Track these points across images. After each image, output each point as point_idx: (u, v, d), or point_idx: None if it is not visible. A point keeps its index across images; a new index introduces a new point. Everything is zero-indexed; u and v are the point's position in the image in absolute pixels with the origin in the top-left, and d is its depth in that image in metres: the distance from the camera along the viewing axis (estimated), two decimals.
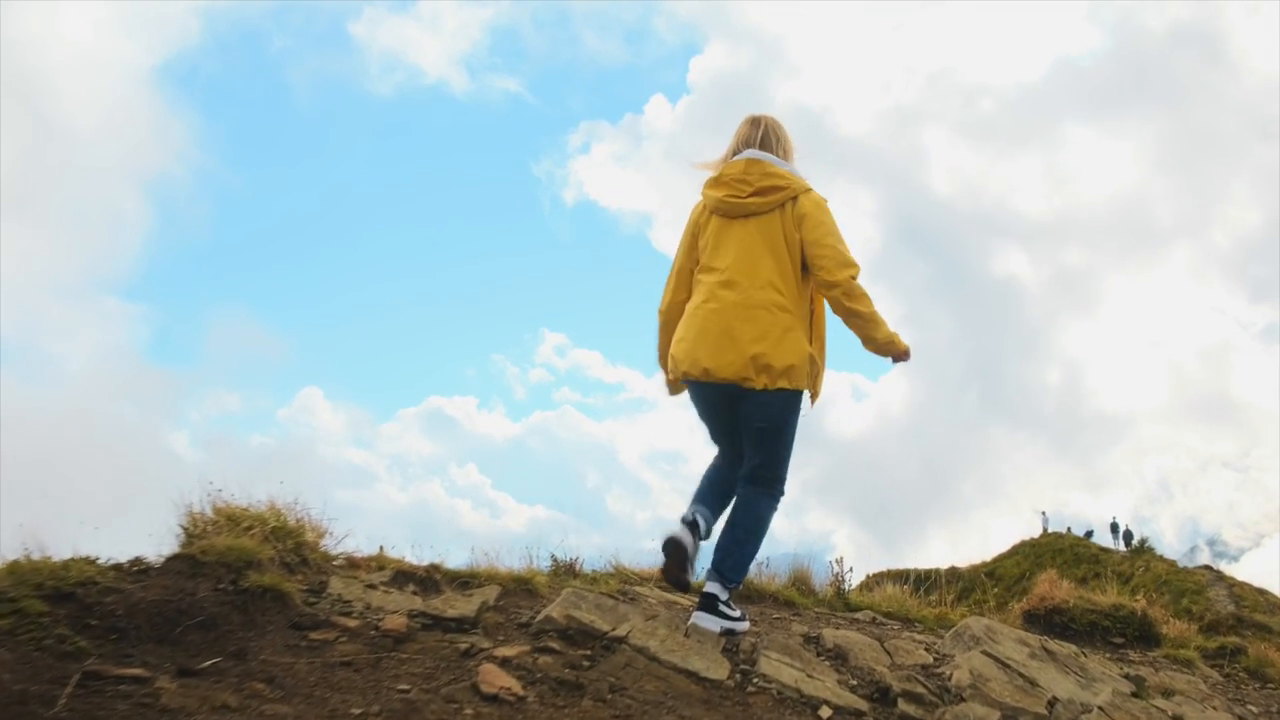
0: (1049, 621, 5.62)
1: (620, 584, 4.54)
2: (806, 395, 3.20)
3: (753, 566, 5.23)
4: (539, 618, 2.90)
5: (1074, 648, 3.75)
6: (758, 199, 3.15)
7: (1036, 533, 41.71)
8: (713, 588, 3.18)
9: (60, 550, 2.74)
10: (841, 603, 5.33)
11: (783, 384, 3.04)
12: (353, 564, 3.52)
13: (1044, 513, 43.24)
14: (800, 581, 5.33)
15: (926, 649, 3.44)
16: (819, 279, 3.13)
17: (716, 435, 3.36)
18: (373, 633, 2.71)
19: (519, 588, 3.85)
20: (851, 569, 5.52)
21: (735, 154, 3.31)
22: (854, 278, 3.09)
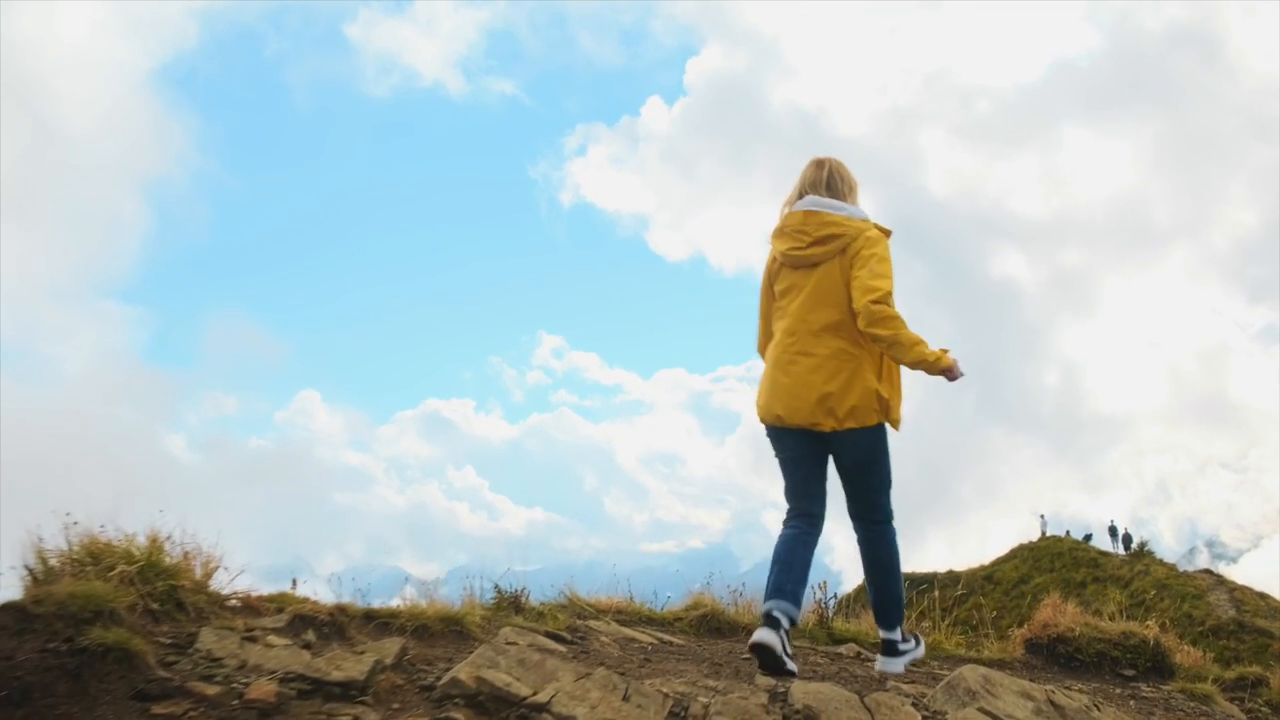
0: (1053, 651, 5.13)
1: (572, 617, 4.05)
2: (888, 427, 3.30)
3: (727, 593, 4.75)
4: (444, 680, 2.40)
5: (1085, 699, 3.27)
6: (818, 249, 3.24)
7: (1035, 535, 41.18)
8: (887, 634, 3.41)
9: None
10: (824, 633, 4.84)
11: (850, 424, 3.15)
12: (248, 605, 3.03)
13: (1043, 516, 42.71)
14: None
15: (915, 704, 2.95)
16: (853, 309, 3.18)
17: (796, 482, 3.37)
18: (234, 703, 2.21)
19: (446, 629, 3.36)
20: (835, 595, 5.03)
21: (800, 196, 3.39)
22: (875, 302, 3.08)
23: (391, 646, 2.68)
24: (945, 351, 3.08)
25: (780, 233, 3.35)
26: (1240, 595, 32.06)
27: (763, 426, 3.37)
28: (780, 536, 3.33)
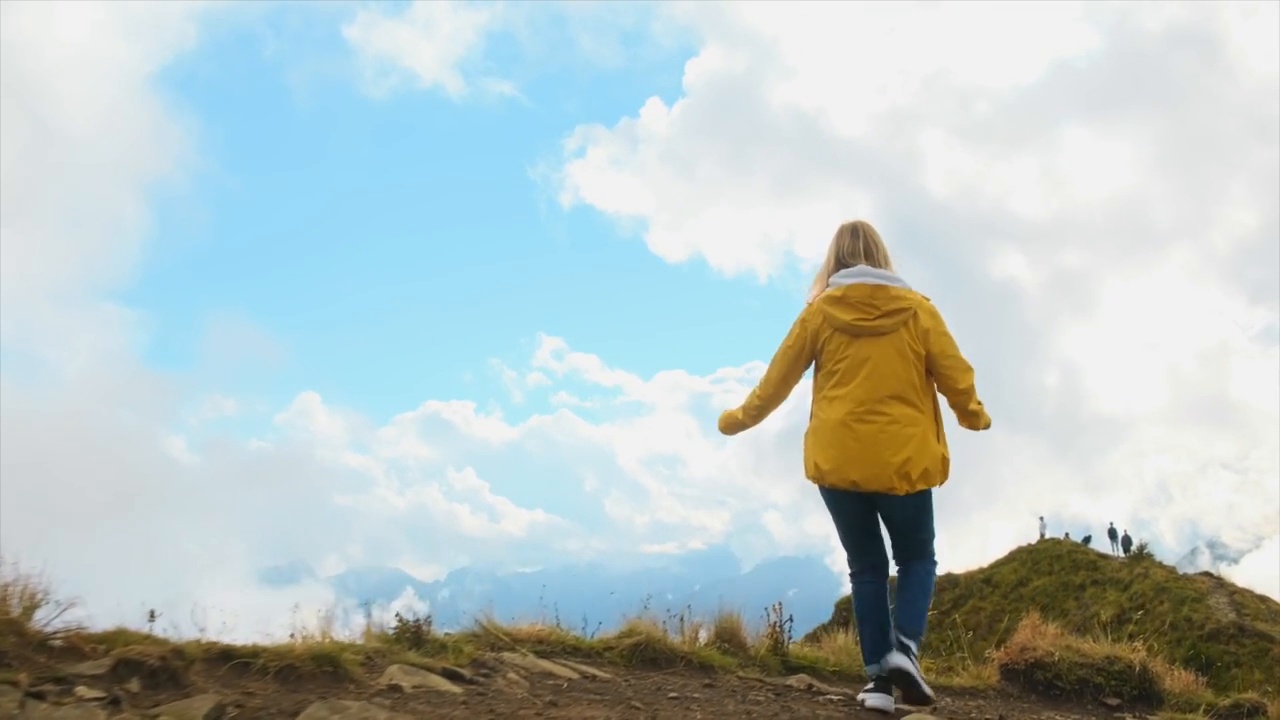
0: (1030, 678, 4.70)
1: (484, 649, 3.62)
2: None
3: (664, 615, 4.32)
4: None
5: None
6: (885, 320, 3.40)
7: (1034, 537, 40.69)
8: (906, 640, 3.41)
9: None
10: (778, 660, 4.41)
11: (920, 486, 3.36)
12: (72, 646, 2.60)
13: (1042, 518, 42.21)
14: (727, 635, 4.39)
15: None
16: (947, 386, 3.51)
17: (858, 540, 3.59)
18: None
19: (319, 670, 2.93)
20: (791, 618, 4.58)
21: (840, 265, 3.51)
22: (973, 383, 3.52)
23: (201, 705, 2.24)
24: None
25: (843, 303, 3.43)
26: (1240, 598, 31.56)
27: (816, 485, 3.51)
28: (858, 594, 3.60)
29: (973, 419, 3.59)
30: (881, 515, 3.51)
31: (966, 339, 3.52)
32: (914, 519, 3.47)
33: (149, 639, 2.71)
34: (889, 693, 3.46)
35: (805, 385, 3.67)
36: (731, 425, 3.73)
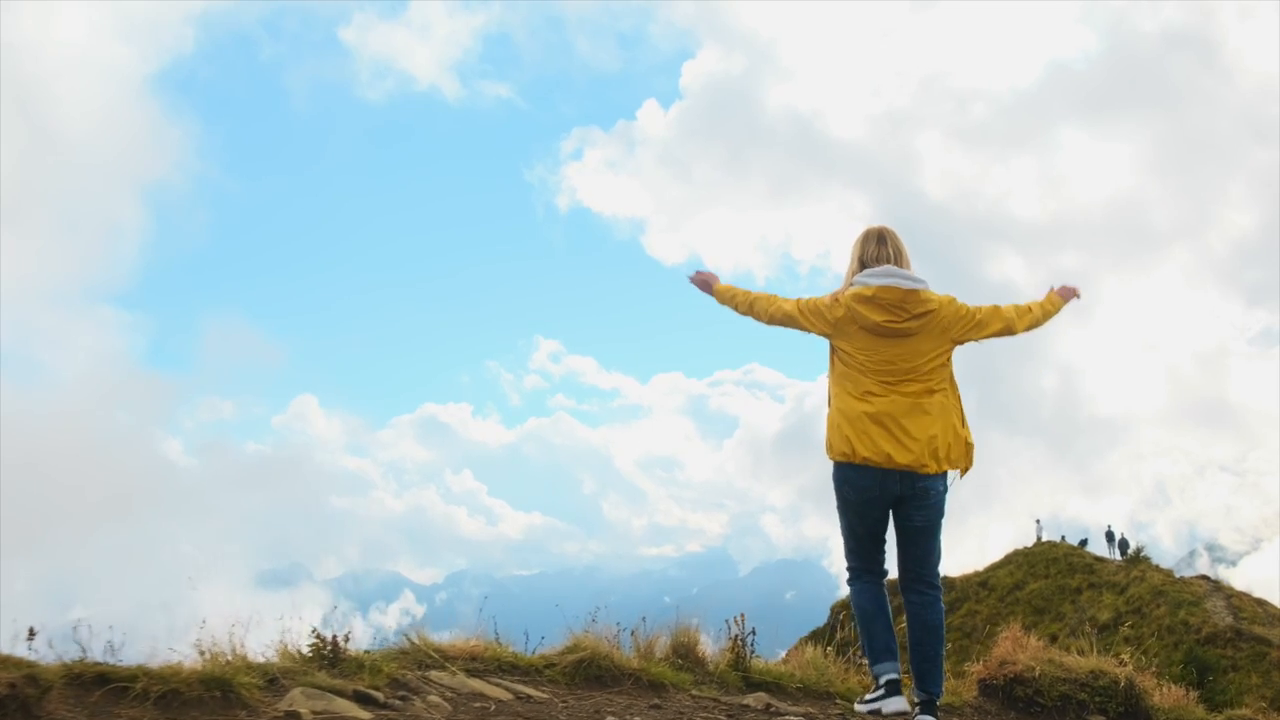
0: (1010, 694, 4.42)
1: (410, 667, 3.32)
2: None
3: (609, 629, 4.03)
4: None
5: None
6: (913, 323, 3.44)
7: (1032, 540, 40.35)
8: (928, 695, 3.44)
9: None
10: (738, 676, 4.12)
11: (946, 467, 3.43)
12: None
13: (1038, 521, 41.88)
14: (683, 650, 4.10)
15: None
16: (993, 336, 3.59)
17: (866, 537, 3.54)
18: None
19: (207, 694, 2.64)
20: (754, 630, 4.30)
21: (863, 267, 3.51)
22: (1007, 316, 3.59)
23: None
24: (1054, 291, 3.76)
25: (873, 303, 3.44)
26: (1238, 602, 31.29)
27: (838, 464, 3.45)
28: (861, 593, 3.56)
29: (1037, 326, 3.69)
30: (900, 514, 3.46)
31: None
32: (933, 521, 3.46)
33: (6, 662, 2.42)
34: (900, 694, 3.42)
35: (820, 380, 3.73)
36: (725, 298, 3.80)
